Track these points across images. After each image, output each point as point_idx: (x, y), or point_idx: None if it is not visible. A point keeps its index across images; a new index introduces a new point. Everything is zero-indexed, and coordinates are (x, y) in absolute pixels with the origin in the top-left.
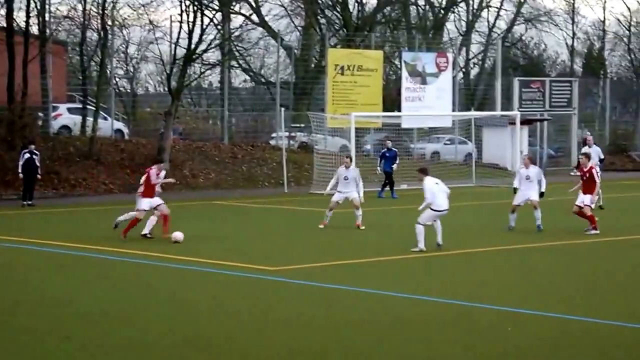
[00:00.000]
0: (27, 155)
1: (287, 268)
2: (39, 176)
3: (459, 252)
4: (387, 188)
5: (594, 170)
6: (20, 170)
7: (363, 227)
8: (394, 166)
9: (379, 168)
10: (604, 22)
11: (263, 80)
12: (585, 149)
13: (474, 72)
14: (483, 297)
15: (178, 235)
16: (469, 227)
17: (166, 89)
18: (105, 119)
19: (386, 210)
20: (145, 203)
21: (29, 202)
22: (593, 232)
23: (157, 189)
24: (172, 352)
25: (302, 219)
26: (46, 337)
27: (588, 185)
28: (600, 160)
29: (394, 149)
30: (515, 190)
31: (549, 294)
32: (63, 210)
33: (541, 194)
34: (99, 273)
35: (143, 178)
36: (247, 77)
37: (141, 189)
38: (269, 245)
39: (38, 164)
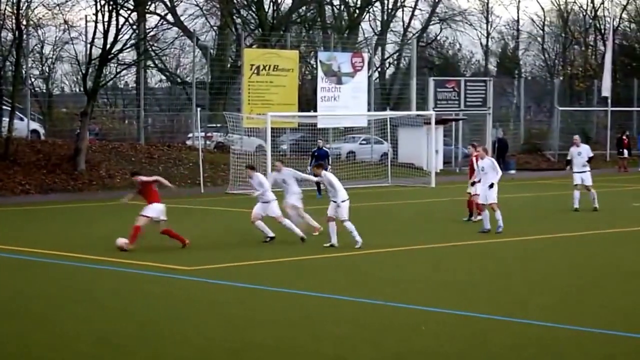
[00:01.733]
0: None
1: (202, 268)
2: None
3: (370, 252)
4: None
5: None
6: None
7: (316, 233)
8: (329, 167)
9: (309, 167)
10: (518, 21)
11: (179, 80)
12: (573, 149)
13: (389, 71)
14: (394, 296)
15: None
16: (383, 226)
17: (82, 89)
18: (21, 119)
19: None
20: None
21: None
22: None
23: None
24: (82, 351)
25: (219, 219)
26: None
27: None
28: (589, 159)
29: (325, 148)
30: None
31: (458, 292)
32: None
33: (491, 185)
34: (14, 274)
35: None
36: (163, 77)
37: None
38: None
39: None
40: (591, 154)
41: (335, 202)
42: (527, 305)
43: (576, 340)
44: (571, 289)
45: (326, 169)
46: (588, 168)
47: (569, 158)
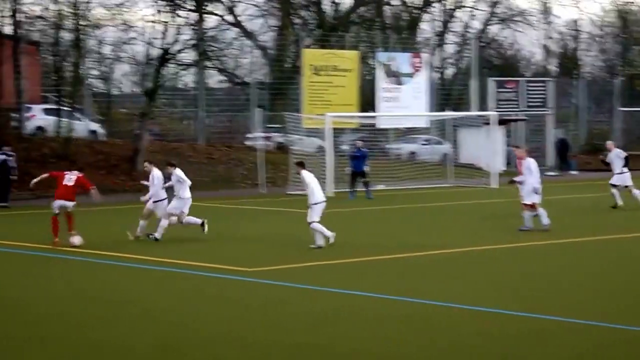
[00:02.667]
0: (2, 157)
1: (262, 269)
2: (14, 177)
3: (431, 253)
4: (361, 188)
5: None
6: None
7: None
8: (366, 167)
9: (348, 168)
10: (577, 22)
11: (238, 80)
12: (609, 155)
13: (449, 72)
14: (446, 296)
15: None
16: (447, 227)
17: (141, 89)
18: (80, 119)
19: (360, 211)
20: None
21: (5, 204)
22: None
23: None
24: (143, 355)
25: (278, 219)
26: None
27: None
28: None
29: (364, 149)
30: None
31: (516, 293)
32: (38, 212)
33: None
34: (73, 275)
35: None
36: (223, 78)
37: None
38: (244, 246)
39: (14, 165)
40: (625, 154)
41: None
42: (586, 307)
43: None
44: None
45: (360, 169)
46: (626, 169)
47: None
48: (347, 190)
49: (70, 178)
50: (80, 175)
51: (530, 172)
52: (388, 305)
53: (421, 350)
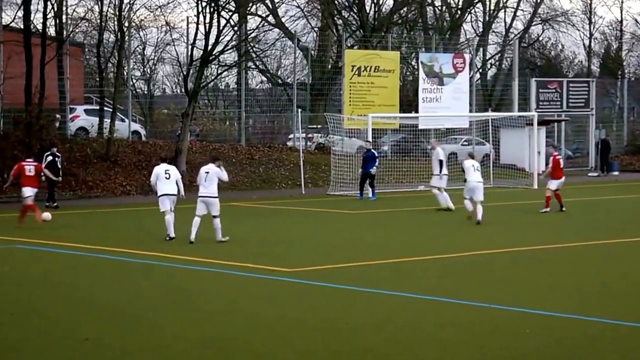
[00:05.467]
0: (50, 158)
1: (304, 269)
2: (59, 179)
3: (476, 253)
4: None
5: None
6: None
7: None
8: (373, 169)
9: (360, 170)
10: (621, 22)
11: (280, 81)
12: None
13: (491, 72)
14: (498, 299)
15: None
16: (486, 228)
17: (183, 90)
18: (122, 120)
19: (390, 212)
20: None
21: (55, 204)
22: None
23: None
24: (188, 353)
25: (320, 220)
26: (64, 339)
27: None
28: None
29: (372, 150)
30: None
31: (564, 295)
32: (84, 212)
33: None
34: (119, 275)
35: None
36: (264, 79)
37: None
38: (285, 246)
39: (60, 166)
40: None
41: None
42: (634, 308)
43: None
44: None
45: (369, 170)
46: None
47: None
48: (381, 190)
49: (30, 169)
50: (37, 164)
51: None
52: (432, 307)
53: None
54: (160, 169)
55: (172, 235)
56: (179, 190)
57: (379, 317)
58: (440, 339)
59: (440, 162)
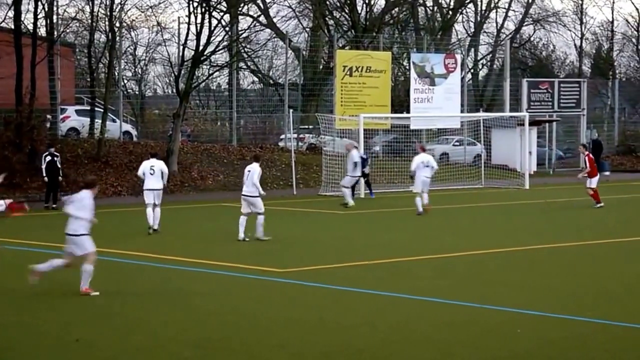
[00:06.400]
0: (49, 158)
1: (297, 270)
2: (61, 178)
3: (467, 253)
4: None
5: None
6: (44, 174)
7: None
8: (365, 169)
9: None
10: (612, 22)
11: (271, 81)
12: None
13: (482, 73)
14: (490, 299)
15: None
16: (478, 228)
17: (174, 90)
18: (113, 121)
19: (382, 212)
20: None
21: (54, 205)
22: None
23: None
24: (180, 354)
25: (311, 220)
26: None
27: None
28: None
29: (363, 155)
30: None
31: (556, 295)
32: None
33: None
34: (111, 275)
35: None
36: (256, 79)
37: None
38: (277, 247)
39: (59, 165)
40: None
41: None
42: (626, 308)
43: None
44: None
45: (357, 174)
46: None
47: None
48: (372, 190)
49: None
50: None
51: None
52: (426, 307)
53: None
54: (146, 164)
55: (153, 227)
56: (164, 185)
57: (371, 317)
58: (434, 339)
59: (355, 164)
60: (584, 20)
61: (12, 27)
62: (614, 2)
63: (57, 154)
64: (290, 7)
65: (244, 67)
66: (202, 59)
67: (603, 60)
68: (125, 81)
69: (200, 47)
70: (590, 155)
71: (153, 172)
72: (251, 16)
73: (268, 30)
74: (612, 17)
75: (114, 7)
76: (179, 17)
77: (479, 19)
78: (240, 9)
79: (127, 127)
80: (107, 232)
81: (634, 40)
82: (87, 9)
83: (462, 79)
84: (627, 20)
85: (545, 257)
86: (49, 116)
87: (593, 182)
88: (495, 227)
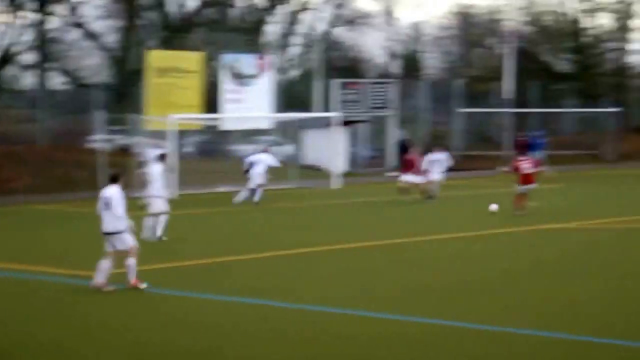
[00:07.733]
0: None
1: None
2: None
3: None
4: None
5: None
6: None
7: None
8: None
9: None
10: (420, 25)
11: (82, 82)
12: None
13: (294, 73)
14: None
15: None
16: (277, 228)
17: None
18: None
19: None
20: None
21: None
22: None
23: None
24: None
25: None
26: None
27: None
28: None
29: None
30: None
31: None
32: None
33: None
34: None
35: None
36: (65, 79)
37: None
38: (85, 250)
39: None
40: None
41: None
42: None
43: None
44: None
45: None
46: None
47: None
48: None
49: None
50: None
51: None
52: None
53: None
54: None
55: None
56: None
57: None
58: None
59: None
60: (394, 23)
61: None
62: (422, 5)
63: None
64: (102, 6)
65: (53, 67)
66: (8, 59)
67: (412, 61)
68: None
69: (7, 47)
70: (415, 156)
71: None
72: (61, 15)
73: (78, 29)
74: (420, 19)
75: None
76: None
77: (290, 19)
78: (48, 8)
79: None
80: None
81: (441, 41)
82: None
83: (274, 79)
84: (434, 22)
85: (361, 256)
86: None
87: (413, 178)
88: (301, 225)
